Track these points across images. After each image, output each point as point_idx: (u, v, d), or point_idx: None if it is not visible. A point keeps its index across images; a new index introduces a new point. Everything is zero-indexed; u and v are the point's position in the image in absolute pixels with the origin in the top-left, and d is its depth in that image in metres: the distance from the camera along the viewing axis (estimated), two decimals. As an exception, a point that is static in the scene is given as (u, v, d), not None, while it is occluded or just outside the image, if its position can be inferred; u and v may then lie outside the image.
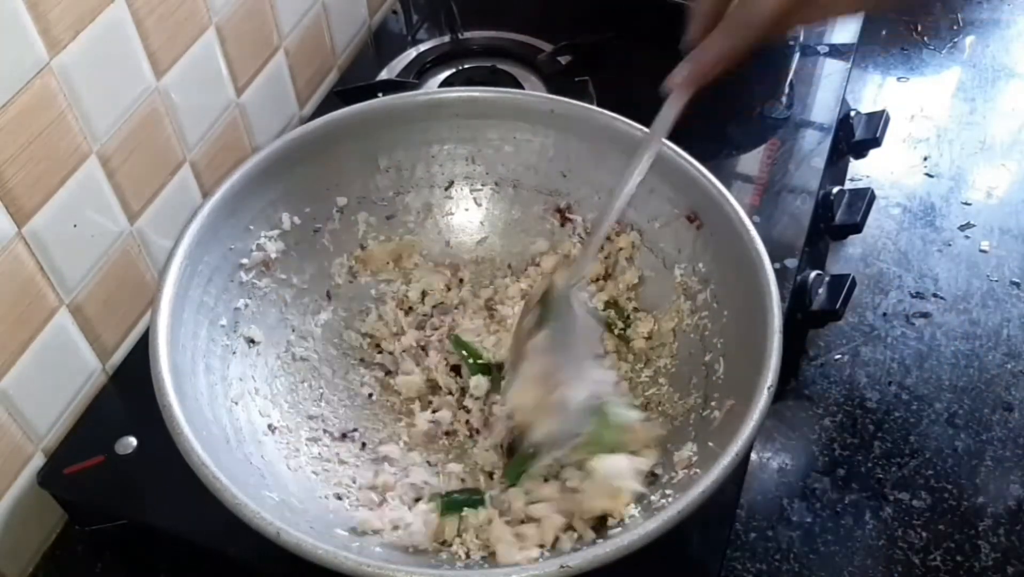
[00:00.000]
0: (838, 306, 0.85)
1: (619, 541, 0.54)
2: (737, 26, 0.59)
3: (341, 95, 0.98)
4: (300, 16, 0.95)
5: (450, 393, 0.75)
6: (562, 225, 0.82)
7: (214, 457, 0.57)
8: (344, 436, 0.72)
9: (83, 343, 0.75)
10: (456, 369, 0.76)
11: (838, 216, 0.94)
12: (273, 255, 0.76)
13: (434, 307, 0.81)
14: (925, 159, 1.12)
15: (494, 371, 0.74)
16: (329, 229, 0.80)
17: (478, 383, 0.74)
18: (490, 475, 0.70)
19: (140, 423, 0.72)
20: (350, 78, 1.05)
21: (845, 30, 1.09)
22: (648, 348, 0.76)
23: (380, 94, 0.95)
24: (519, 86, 0.99)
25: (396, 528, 0.63)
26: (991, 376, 0.90)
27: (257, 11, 0.87)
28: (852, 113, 1.04)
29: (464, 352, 0.75)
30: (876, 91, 1.22)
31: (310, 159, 0.77)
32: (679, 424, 0.69)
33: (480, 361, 0.75)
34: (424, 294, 0.81)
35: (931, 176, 1.10)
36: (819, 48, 1.07)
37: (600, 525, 0.63)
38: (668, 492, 0.62)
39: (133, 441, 0.72)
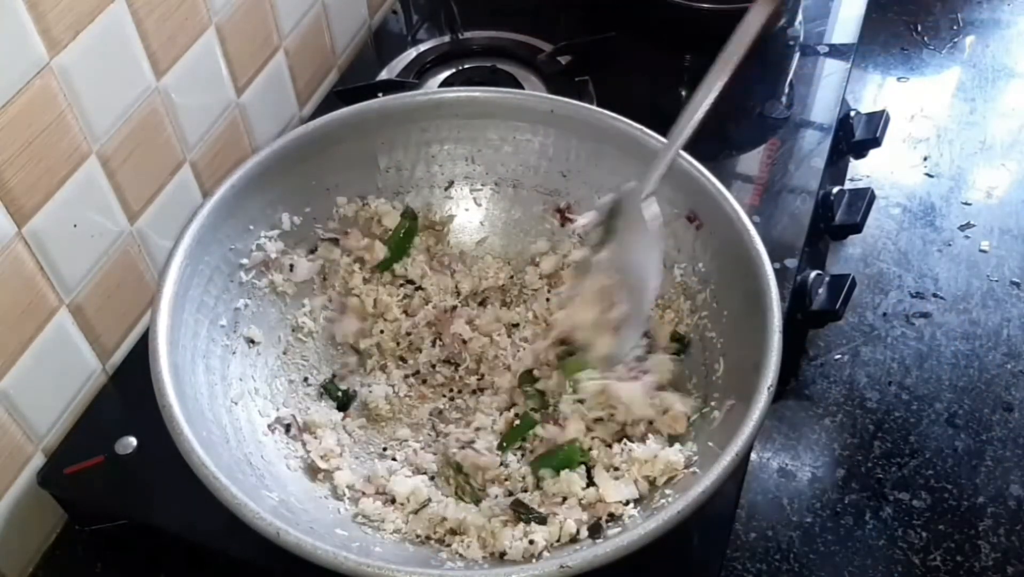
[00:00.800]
0: (838, 306, 0.85)
1: (619, 541, 0.54)
2: None
3: (341, 95, 0.98)
4: (300, 16, 0.95)
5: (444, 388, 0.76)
6: (562, 225, 0.82)
7: (214, 457, 0.57)
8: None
9: (83, 343, 0.75)
10: (449, 362, 0.77)
11: (838, 216, 0.94)
12: (273, 255, 0.76)
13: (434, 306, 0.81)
14: (925, 159, 1.12)
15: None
16: (329, 229, 0.80)
17: None
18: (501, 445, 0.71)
19: (140, 423, 0.72)
20: (350, 78, 1.05)
21: (845, 30, 1.09)
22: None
23: (380, 94, 0.95)
24: (519, 86, 0.99)
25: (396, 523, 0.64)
26: (991, 376, 0.90)
27: (257, 11, 0.87)
28: (852, 113, 1.04)
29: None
30: (876, 91, 1.23)
31: (310, 159, 0.77)
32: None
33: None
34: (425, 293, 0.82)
35: (931, 176, 1.10)
36: (819, 48, 1.07)
37: (598, 528, 0.63)
38: (668, 492, 0.62)
39: (133, 441, 0.72)
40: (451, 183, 0.83)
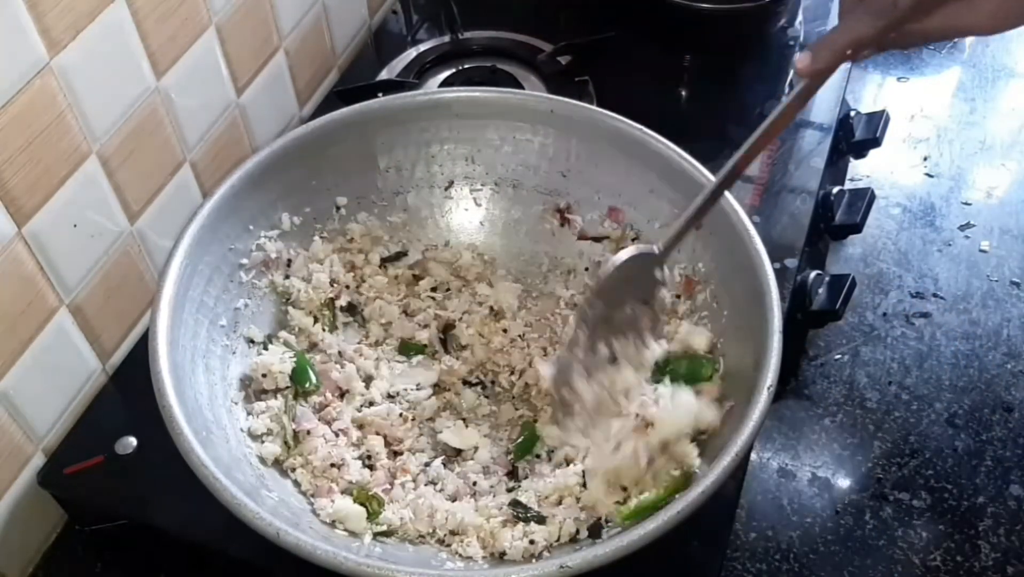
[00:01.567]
0: (838, 306, 0.85)
1: (619, 541, 0.54)
2: (879, 9, 0.54)
3: (341, 95, 0.98)
4: (300, 16, 0.95)
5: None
6: (562, 225, 0.82)
7: (213, 457, 0.57)
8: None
9: (83, 343, 0.75)
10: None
11: (838, 216, 0.94)
12: (273, 255, 0.76)
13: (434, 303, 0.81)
14: (925, 159, 1.12)
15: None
16: (328, 228, 0.80)
17: None
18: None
19: (140, 423, 0.72)
20: (350, 78, 1.05)
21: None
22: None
23: (380, 94, 0.95)
24: (519, 86, 0.99)
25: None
26: (991, 376, 0.90)
27: (257, 11, 0.87)
28: (852, 113, 1.04)
29: None
30: (876, 91, 1.22)
31: (310, 159, 0.77)
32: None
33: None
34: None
35: (931, 176, 1.10)
36: (819, 48, 1.06)
37: (598, 528, 0.63)
38: (668, 492, 0.62)
39: (133, 441, 0.72)
40: (451, 183, 0.83)
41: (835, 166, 1.01)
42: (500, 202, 0.84)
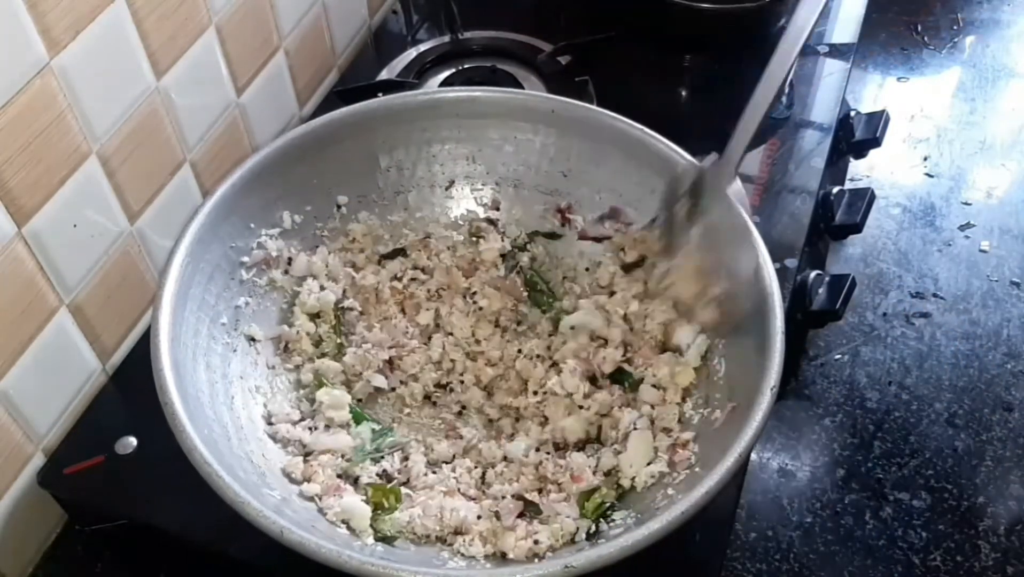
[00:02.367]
0: (838, 306, 0.85)
1: (622, 541, 0.54)
2: None
3: (341, 95, 0.98)
4: (300, 16, 0.95)
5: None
6: (562, 225, 0.82)
7: (216, 455, 0.57)
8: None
9: (83, 343, 0.75)
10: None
11: (838, 216, 0.94)
12: (274, 253, 0.76)
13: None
14: (925, 159, 1.12)
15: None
16: (329, 227, 0.80)
17: None
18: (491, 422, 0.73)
19: (140, 423, 0.72)
20: (350, 78, 1.05)
21: (845, 30, 1.09)
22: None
23: (380, 94, 0.95)
24: (519, 86, 0.99)
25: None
26: (991, 376, 0.90)
27: (257, 11, 0.87)
28: (852, 113, 1.04)
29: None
30: (876, 91, 1.23)
31: (310, 158, 0.77)
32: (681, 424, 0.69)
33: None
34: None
35: (931, 176, 1.10)
36: (819, 48, 1.07)
37: (598, 528, 0.63)
38: (671, 492, 0.62)
39: (133, 441, 0.72)
40: (452, 183, 0.83)
41: (835, 166, 1.01)
42: (501, 202, 0.84)
